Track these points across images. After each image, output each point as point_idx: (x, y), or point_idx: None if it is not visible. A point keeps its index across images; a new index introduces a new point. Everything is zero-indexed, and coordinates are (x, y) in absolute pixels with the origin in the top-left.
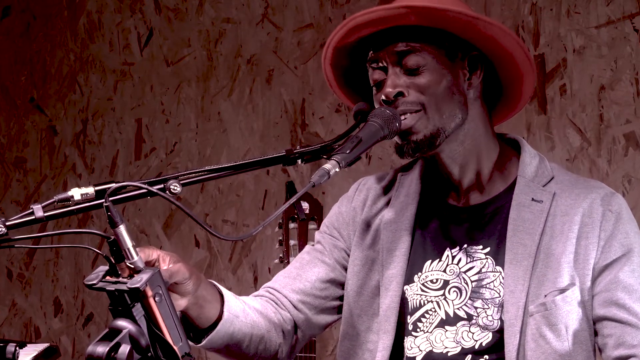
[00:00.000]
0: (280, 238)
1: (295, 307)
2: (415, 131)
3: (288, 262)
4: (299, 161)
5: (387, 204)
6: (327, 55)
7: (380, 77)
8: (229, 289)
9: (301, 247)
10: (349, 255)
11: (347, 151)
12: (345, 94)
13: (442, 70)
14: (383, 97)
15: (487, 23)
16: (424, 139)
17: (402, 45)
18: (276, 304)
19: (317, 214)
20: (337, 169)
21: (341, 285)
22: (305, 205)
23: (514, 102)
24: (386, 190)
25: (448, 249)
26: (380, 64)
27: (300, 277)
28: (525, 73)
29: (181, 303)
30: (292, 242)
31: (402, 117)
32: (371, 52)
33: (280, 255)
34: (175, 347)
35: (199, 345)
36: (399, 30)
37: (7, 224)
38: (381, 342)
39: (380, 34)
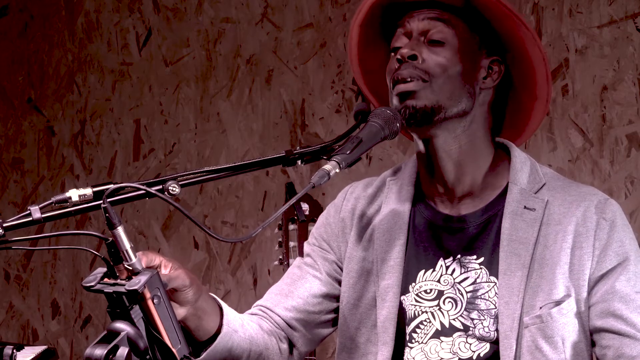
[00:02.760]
0: (280, 239)
1: (289, 325)
2: (416, 97)
3: (288, 264)
4: (299, 162)
5: (378, 211)
6: (360, 14)
7: (402, 43)
8: (229, 291)
9: (301, 248)
10: (340, 267)
11: (348, 152)
12: (360, 61)
13: (463, 55)
14: (398, 56)
15: (522, 24)
16: (423, 107)
17: (436, 12)
18: (270, 322)
19: (317, 216)
20: (337, 170)
21: (334, 298)
22: (305, 206)
23: (520, 129)
24: (375, 197)
25: (441, 259)
26: (408, 27)
27: (292, 293)
28: (540, 97)
29: (180, 312)
30: (291, 244)
31: (408, 79)
32: (407, 14)
33: (280, 257)
34: (173, 350)
35: (198, 359)
36: (438, 4)
37: (4, 225)
38: (380, 354)
39: (417, 3)
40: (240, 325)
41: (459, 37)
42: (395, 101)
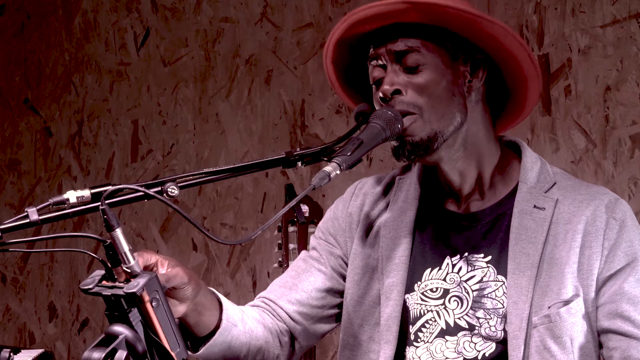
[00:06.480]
0: (280, 242)
1: (291, 318)
2: (411, 133)
3: (287, 266)
4: (299, 163)
5: (385, 208)
6: (329, 52)
7: (379, 74)
8: (228, 294)
9: (300, 250)
10: (345, 263)
11: (348, 153)
12: (346, 92)
13: (442, 70)
14: (380, 94)
15: (488, 22)
16: (420, 142)
17: (402, 42)
18: (272, 315)
19: (317, 217)
20: (338, 172)
21: (338, 293)
22: (305, 208)
23: (519, 109)
24: (384, 194)
25: (448, 257)
26: (380, 62)
27: (297, 286)
28: (530, 77)
29: (180, 309)
30: (291, 246)
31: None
32: (371, 49)
33: (280, 259)
34: (172, 353)
35: (197, 354)
36: (400, 27)
37: (1, 227)
38: (382, 352)
39: (380, 31)
40: (240, 320)
41: (433, 54)
42: (392, 142)
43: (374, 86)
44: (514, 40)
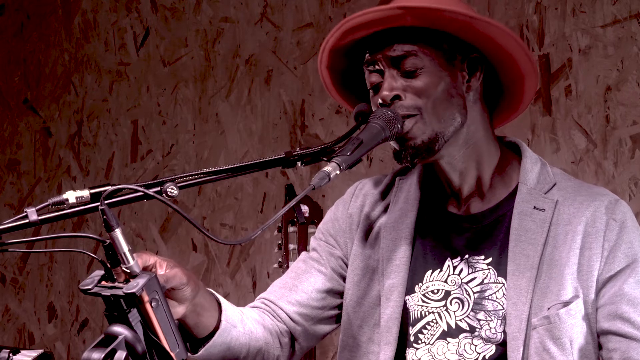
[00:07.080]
0: (280, 242)
1: (291, 319)
2: (413, 136)
3: (287, 267)
4: (299, 163)
5: (386, 209)
6: (323, 58)
7: (377, 79)
8: (227, 294)
9: (300, 251)
10: (345, 264)
11: (348, 153)
12: (343, 96)
13: (440, 73)
14: (380, 100)
15: (485, 23)
16: (422, 145)
17: (399, 47)
18: (272, 316)
19: (317, 218)
20: (338, 172)
21: (338, 294)
22: (304, 208)
23: (516, 104)
24: (384, 195)
25: (449, 258)
26: (377, 67)
27: (297, 287)
28: (527, 74)
29: (179, 310)
30: (291, 246)
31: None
32: (367, 54)
33: (280, 259)
34: (172, 354)
35: (196, 355)
36: (395, 32)
37: (1, 227)
38: (382, 354)
39: (376, 35)
40: (240, 321)
41: (430, 57)
42: (394, 145)
43: (371, 91)
44: (510, 39)
